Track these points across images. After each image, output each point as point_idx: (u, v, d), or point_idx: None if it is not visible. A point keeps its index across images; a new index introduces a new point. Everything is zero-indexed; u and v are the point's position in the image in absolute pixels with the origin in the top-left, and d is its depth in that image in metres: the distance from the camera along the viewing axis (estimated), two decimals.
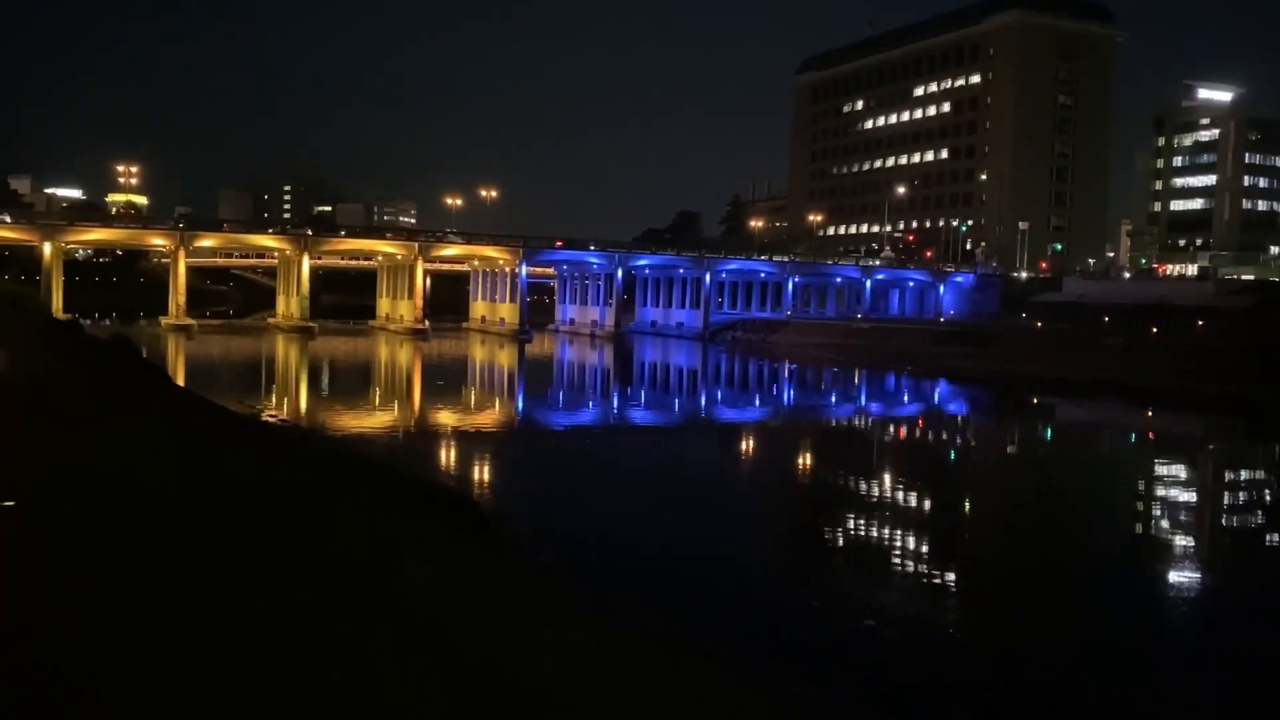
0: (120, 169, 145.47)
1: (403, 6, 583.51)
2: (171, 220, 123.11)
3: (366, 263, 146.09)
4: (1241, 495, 40.40)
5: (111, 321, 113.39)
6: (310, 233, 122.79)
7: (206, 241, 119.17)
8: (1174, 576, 25.39)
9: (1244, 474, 45.29)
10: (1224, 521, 34.35)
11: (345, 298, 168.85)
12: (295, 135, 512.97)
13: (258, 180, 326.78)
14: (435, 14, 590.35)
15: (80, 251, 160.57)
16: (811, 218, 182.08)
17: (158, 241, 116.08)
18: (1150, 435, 57.29)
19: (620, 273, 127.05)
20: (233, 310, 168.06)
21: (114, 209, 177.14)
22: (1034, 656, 18.75)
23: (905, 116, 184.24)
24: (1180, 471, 44.47)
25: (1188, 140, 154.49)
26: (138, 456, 16.18)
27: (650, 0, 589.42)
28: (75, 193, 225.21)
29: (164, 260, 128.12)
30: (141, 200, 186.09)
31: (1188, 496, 38.50)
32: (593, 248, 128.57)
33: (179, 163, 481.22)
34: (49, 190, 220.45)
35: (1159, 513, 34.28)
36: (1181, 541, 29.60)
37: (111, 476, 13.93)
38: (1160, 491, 39.02)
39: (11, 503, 12.02)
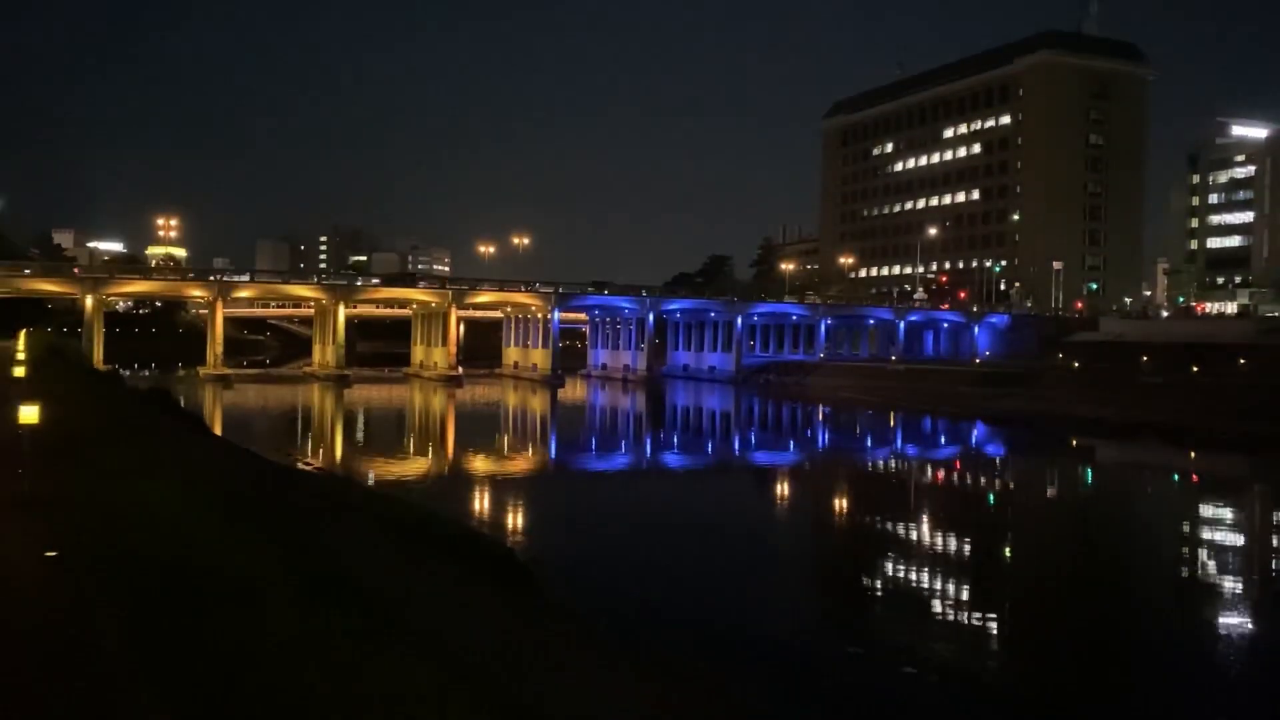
0: (160, 222, 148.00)
1: (438, 60, 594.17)
2: (209, 272, 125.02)
3: (401, 310, 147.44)
4: None
5: (150, 372, 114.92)
6: (345, 282, 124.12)
7: (243, 292, 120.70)
8: (1226, 624, 24.76)
9: None
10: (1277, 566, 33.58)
11: (380, 345, 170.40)
12: (332, 187, 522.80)
13: (295, 231, 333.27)
14: (469, 62, 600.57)
15: (120, 303, 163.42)
16: (843, 260, 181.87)
17: (196, 293, 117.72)
18: (1195, 477, 56.20)
19: (652, 317, 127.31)
20: (269, 359, 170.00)
21: (153, 262, 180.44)
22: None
23: (936, 158, 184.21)
24: (1228, 515, 43.52)
25: (1223, 177, 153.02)
26: (176, 507, 16.27)
27: (679, 45, 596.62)
28: (116, 246, 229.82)
29: (202, 311, 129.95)
30: (180, 252, 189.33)
31: (1236, 540, 37.65)
32: (624, 293, 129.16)
33: (218, 212, 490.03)
34: (91, 244, 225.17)
35: (1206, 558, 33.51)
36: (1234, 588, 28.92)
37: (149, 526, 14.00)
38: (1208, 535, 38.17)
39: (54, 552, 12.10)
